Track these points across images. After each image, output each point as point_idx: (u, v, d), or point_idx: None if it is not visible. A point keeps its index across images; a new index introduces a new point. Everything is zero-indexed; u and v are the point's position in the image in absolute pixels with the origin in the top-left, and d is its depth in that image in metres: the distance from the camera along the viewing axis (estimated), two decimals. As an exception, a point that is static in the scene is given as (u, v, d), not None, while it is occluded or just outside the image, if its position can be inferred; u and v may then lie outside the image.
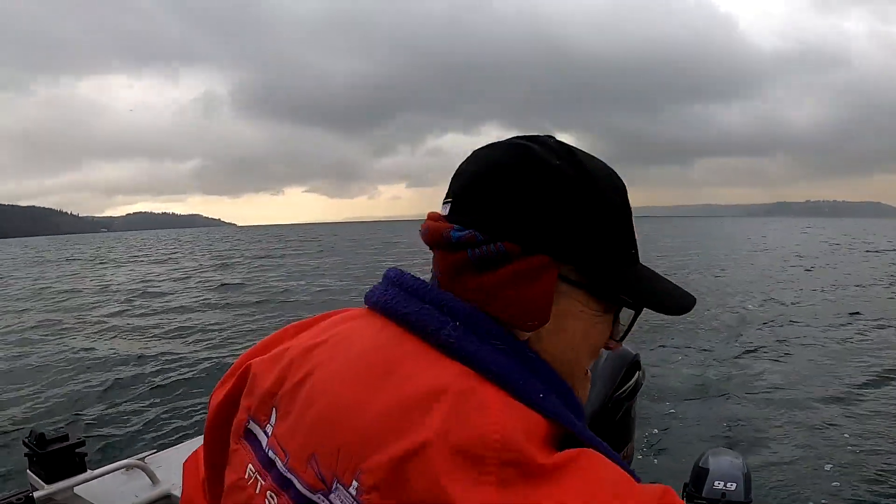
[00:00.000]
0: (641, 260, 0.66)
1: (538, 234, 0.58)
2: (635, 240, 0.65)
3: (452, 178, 0.65)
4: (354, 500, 0.53)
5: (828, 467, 5.10)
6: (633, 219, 0.65)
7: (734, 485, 1.53)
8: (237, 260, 35.35)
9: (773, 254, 32.38)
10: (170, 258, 40.79)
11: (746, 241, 48.80)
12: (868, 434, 5.75)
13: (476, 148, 0.66)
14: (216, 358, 9.33)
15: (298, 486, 0.59)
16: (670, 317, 0.70)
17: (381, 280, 0.68)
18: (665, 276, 0.68)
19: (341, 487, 0.55)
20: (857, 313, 12.38)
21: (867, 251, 33.61)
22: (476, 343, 0.57)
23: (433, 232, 0.62)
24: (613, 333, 0.66)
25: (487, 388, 0.55)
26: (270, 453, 0.64)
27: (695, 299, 0.68)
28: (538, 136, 0.64)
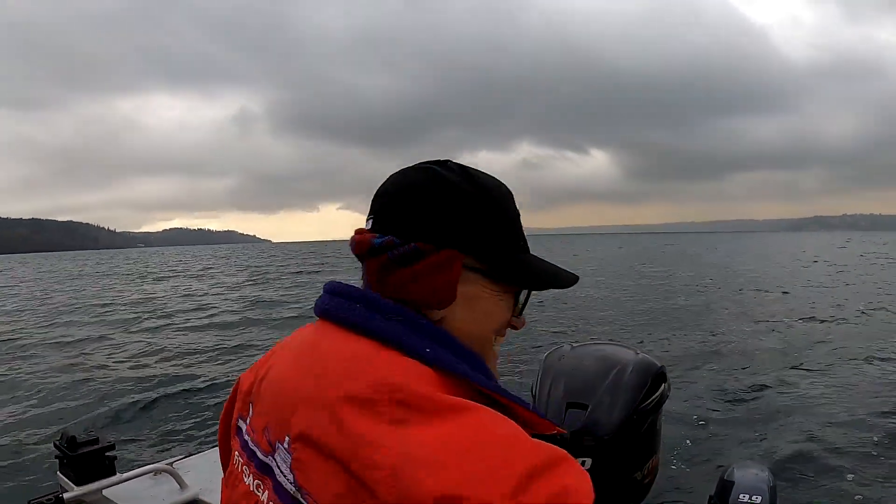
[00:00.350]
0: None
1: (444, 233, 0.74)
2: (523, 233, 0.81)
3: (373, 199, 0.80)
4: (287, 452, 0.68)
5: (850, 476, 4.96)
6: (522, 218, 0.81)
7: (759, 497, 1.50)
8: (274, 276, 35.68)
9: (814, 269, 31.50)
10: (206, 273, 41.51)
11: (788, 256, 47.54)
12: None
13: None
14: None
15: (258, 454, 0.75)
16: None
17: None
18: (549, 261, 0.83)
19: (280, 446, 0.70)
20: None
21: (910, 265, 32.53)
22: (376, 319, 0.71)
23: (360, 243, 0.77)
24: (515, 311, 0.82)
25: (380, 349, 0.69)
26: (246, 436, 0.80)
27: (577, 277, 0.83)
28: (440, 160, 0.79)
